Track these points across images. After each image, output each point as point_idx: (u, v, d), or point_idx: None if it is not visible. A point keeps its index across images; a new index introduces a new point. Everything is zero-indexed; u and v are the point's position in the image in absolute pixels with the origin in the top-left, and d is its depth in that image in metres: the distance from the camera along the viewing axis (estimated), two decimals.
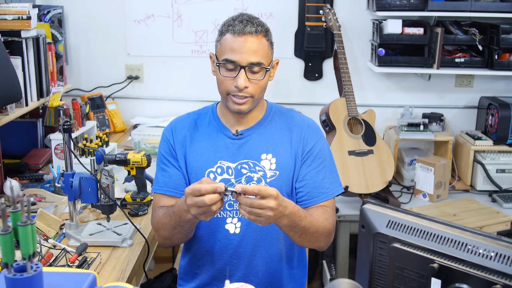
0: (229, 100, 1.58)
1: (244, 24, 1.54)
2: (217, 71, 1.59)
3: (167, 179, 1.65)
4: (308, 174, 1.63)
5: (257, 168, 1.62)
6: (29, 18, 2.39)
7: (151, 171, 2.00)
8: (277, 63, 1.66)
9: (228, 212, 1.62)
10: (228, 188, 1.34)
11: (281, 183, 1.61)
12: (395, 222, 1.06)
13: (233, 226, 1.62)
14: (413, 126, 2.92)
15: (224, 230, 1.63)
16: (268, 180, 1.61)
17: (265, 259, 1.64)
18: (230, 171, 1.63)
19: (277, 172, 1.62)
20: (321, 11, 2.91)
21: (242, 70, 1.53)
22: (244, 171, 1.62)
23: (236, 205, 1.60)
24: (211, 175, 1.62)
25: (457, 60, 2.85)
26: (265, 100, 1.72)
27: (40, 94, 2.56)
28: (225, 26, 1.58)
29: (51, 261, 1.61)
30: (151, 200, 2.09)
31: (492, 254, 0.93)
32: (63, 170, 1.78)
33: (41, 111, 2.71)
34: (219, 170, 1.63)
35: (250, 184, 1.60)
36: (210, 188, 1.33)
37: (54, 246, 1.71)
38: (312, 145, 1.65)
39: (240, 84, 1.53)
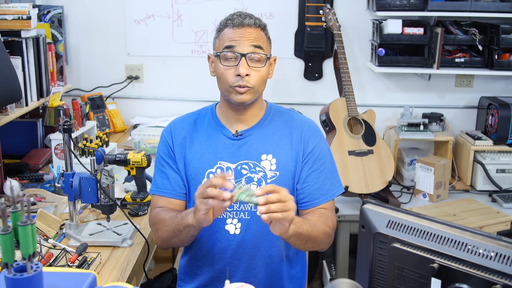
0: (232, 93, 1.58)
1: (242, 17, 1.57)
2: (217, 63, 1.59)
3: (166, 181, 1.65)
4: (309, 176, 1.63)
5: (257, 168, 1.62)
6: (29, 18, 2.39)
7: (151, 171, 2.00)
8: (275, 60, 1.67)
9: (228, 213, 1.61)
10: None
11: (281, 183, 1.61)
12: (395, 222, 1.06)
13: (233, 226, 1.62)
14: (413, 126, 2.92)
15: (224, 231, 1.62)
16: (268, 181, 1.61)
17: (265, 259, 1.64)
18: (230, 171, 1.62)
19: (277, 173, 1.62)
20: (321, 11, 2.91)
21: (243, 58, 1.54)
22: (244, 171, 1.62)
23: (236, 205, 1.60)
24: (211, 176, 1.62)
25: (457, 60, 2.85)
26: (265, 100, 1.73)
27: (40, 94, 2.56)
28: (223, 22, 1.60)
29: (51, 261, 1.61)
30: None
31: (492, 254, 0.93)
32: (63, 170, 1.78)
33: (41, 111, 2.71)
34: (218, 171, 1.63)
35: (256, 186, 1.61)
36: (219, 177, 1.35)
37: (54, 246, 1.71)
38: (313, 147, 1.65)
39: (242, 71, 1.53)
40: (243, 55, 1.54)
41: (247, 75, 1.55)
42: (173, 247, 1.71)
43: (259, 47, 1.56)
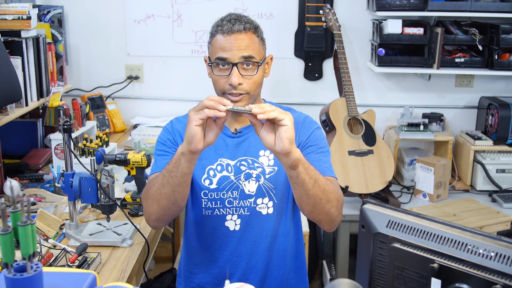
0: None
1: (232, 23, 1.55)
2: (210, 71, 1.59)
3: (167, 160, 1.59)
4: (307, 156, 1.59)
5: (256, 164, 1.63)
6: (29, 18, 2.39)
7: None
8: (271, 58, 1.66)
9: (227, 209, 1.62)
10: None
11: (279, 178, 1.62)
12: (395, 222, 1.06)
13: (232, 223, 1.63)
14: (413, 126, 2.92)
15: (223, 227, 1.63)
16: (267, 176, 1.62)
17: (265, 257, 1.65)
18: (229, 168, 1.63)
19: (276, 168, 1.63)
20: (321, 11, 2.91)
21: (235, 67, 1.53)
22: (243, 168, 1.63)
23: (235, 202, 1.61)
24: (211, 172, 1.63)
25: (457, 60, 2.85)
26: (263, 99, 1.73)
27: (40, 94, 2.56)
28: (214, 27, 1.59)
29: (51, 261, 1.61)
30: None
31: (492, 254, 0.93)
32: (63, 170, 1.78)
33: (41, 111, 2.71)
34: (219, 168, 1.64)
35: (255, 182, 1.60)
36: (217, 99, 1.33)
37: (54, 246, 1.71)
38: (308, 135, 1.65)
39: (234, 81, 1.53)
40: (234, 64, 1.53)
41: (239, 84, 1.54)
42: (163, 215, 1.55)
43: (250, 56, 1.54)
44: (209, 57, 1.61)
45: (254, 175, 1.62)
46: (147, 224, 1.95)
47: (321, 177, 1.46)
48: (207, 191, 1.63)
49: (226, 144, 1.65)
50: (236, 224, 1.63)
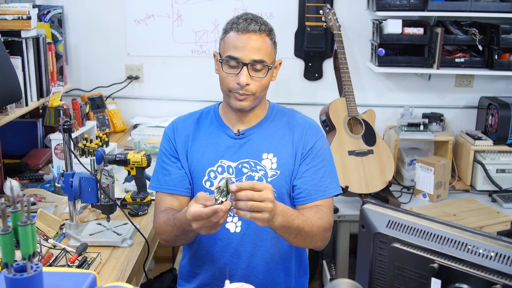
0: (231, 97, 1.59)
1: (248, 22, 1.55)
2: (220, 68, 1.59)
3: (167, 177, 1.66)
4: (307, 172, 1.63)
5: (258, 167, 1.63)
6: (29, 18, 2.39)
7: (151, 171, 2.00)
8: (280, 63, 1.67)
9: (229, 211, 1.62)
10: (221, 187, 1.32)
11: (282, 182, 1.62)
12: (395, 222, 1.06)
13: (233, 225, 1.63)
14: (413, 126, 2.92)
15: (224, 229, 1.63)
16: (269, 179, 1.62)
17: (266, 258, 1.65)
18: (231, 170, 1.63)
19: (278, 172, 1.63)
20: (321, 11, 2.91)
21: (245, 67, 1.54)
22: (245, 170, 1.63)
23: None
24: (212, 174, 1.63)
25: (457, 60, 2.85)
26: (267, 100, 1.73)
27: (40, 94, 2.56)
28: (229, 24, 1.59)
29: (51, 261, 1.61)
30: (151, 200, 2.09)
31: (492, 254, 0.93)
32: (63, 170, 1.78)
33: (41, 111, 2.71)
34: (219, 169, 1.64)
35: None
36: (211, 212, 1.31)
37: (54, 246, 1.71)
38: (312, 144, 1.65)
39: (242, 81, 1.54)
40: (245, 64, 1.54)
41: (247, 84, 1.55)
42: (179, 245, 1.70)
43: (261, 60, 1.55)
44: (219, 53, 1.61)
45: (256, 178, 1.62)
46: (147, 224, 1.96)
47: (306, 227, 1.50)
48: (208, 193, 1.62)
49: (228, 145, 1.65)
50: (236, 226, 1.63)
